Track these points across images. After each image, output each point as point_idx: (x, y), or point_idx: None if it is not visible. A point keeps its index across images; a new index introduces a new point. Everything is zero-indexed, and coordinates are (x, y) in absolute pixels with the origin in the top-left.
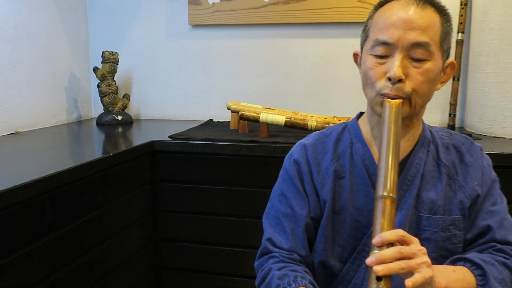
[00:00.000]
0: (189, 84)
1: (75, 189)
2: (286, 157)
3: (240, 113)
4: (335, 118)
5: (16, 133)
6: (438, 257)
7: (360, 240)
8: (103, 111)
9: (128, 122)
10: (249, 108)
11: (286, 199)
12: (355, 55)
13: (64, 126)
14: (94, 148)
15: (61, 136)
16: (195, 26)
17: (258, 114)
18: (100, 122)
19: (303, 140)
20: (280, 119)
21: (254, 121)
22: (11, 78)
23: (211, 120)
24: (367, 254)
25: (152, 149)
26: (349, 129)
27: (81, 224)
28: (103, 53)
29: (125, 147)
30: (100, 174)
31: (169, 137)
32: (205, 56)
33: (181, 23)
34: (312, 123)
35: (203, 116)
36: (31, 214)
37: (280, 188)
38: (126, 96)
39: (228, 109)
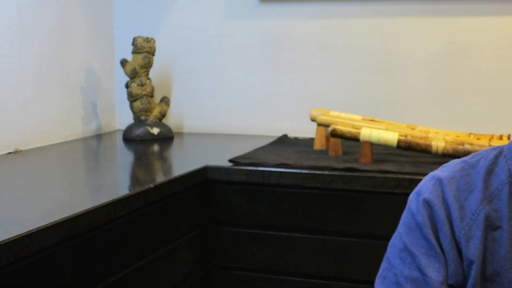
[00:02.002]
0: (254, 84)
1: (103, 235)
2: (412, 195)
3: (331, 127)
4: (471, 135)
5: (16, 152)
6: None
7: None
8: (132, 121)
9: (167, 137)
10: (344, 119)
11: (411, 257)
12: None
13: (79, 142)
14: (122, 176)
15: (76, 156)
16: (265, 0)
17: (358, 129)
18: (129, 137)
19: (436, 172)
20: (391, 136)
21: (352, 139)
22: (10, 75)
23: (285, 136)
24: None
25: (205, 178)
26: (506, 156)
27: (111, 285)
28: (134, 40)
29: (167, 175)
30: (136, 214)
31: (229, 161)
32: (277, 43)
33: None
34: (438, 143)
35: (274, 129)
36: (47, 271)
37: (403, 241)
38: (165, 101)
39: (313, 120)
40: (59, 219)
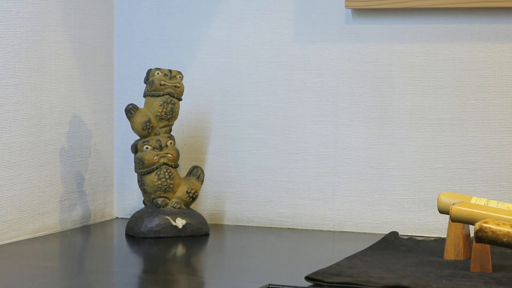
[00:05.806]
0: (342, 146)
1: None
2: None
3: (476, 225)
4: None
5: None
6: None
7: None
8: (142, 205)
9: (199, 234)
10: (497, 212)
11: None
12: None
13: (54, 239)
14: None
15: (51, 263)
16: (360, 11)
17: None
18: (136, 232)
19: None
20: None
21: (511, 246)
22: None
23: (395, 236)
24: None
25: None
26: None
27: None
28: (149, 73)
29: None
30: None
31: (307, 278)
32: (382, 81)
33: (329, 7)
34: None
35: (376, 224)
36: None
37: None
38: (197, 174)
39: (443, 212)
40: None
